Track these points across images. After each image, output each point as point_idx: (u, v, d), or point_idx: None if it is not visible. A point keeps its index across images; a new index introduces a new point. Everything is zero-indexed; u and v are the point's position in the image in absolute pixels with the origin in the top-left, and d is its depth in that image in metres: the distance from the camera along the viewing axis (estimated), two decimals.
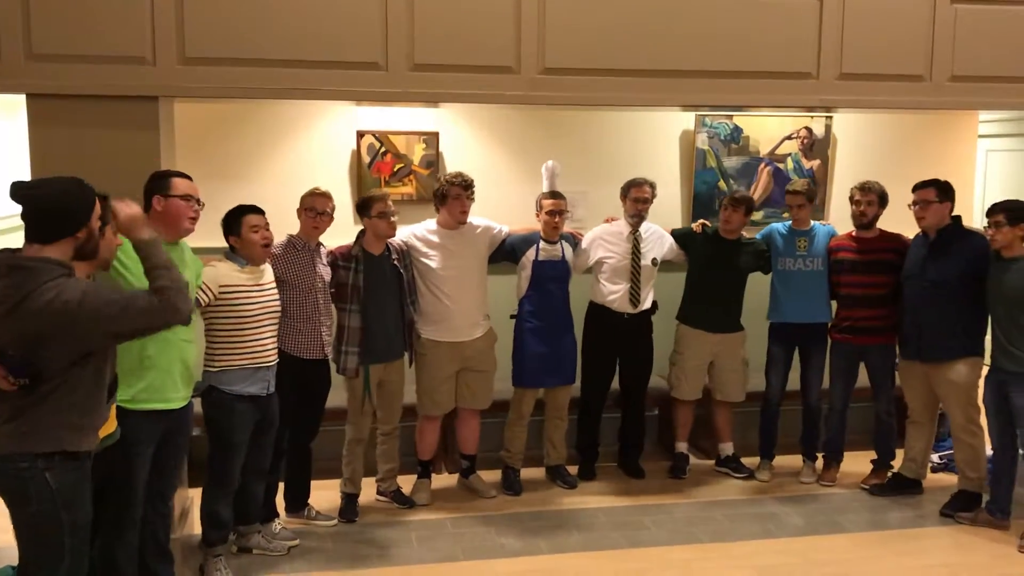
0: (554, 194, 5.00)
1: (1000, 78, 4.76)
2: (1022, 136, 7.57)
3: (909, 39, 4.64)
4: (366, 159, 5.44)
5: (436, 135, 5.49)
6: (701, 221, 5.37)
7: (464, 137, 5.57)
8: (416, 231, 4.82)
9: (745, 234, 5.30)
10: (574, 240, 5.18)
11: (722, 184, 5.90)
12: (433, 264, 4.75)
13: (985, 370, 4.69)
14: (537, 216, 5.02)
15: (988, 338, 4.66)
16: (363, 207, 4.56)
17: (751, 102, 4.75)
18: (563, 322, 5.09)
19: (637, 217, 5.14)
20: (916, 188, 4.78)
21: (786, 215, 5.68)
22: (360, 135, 5.41)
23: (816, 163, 6.02)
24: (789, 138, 5.97)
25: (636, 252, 5.14)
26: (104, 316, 2.61)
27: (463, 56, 4.22)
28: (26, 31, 3.77)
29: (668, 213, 5.39)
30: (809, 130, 5.97)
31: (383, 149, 5.45)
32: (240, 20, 3.97)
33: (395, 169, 5.46)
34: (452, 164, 5.52)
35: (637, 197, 5.12)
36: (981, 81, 4.74)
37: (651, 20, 4.38)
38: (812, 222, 5.27)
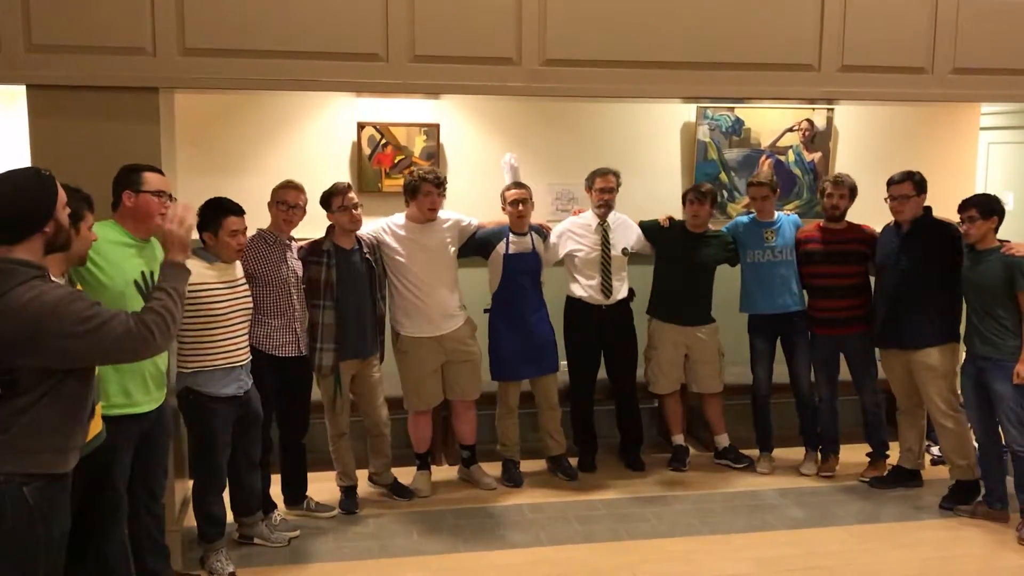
0: (517, 184, 5.00)
1: (1002, 70, 4.74)
2: None
3: (911, 31, 4.62)
4: (367, 151, 5.43)
5: (437, 127, 5.49)
6: (667, 215, 5.37)
7: (465, 129, 5.56)
8: (384, 225, 4.79)
9: (712, 227, 5.30)
10: (544, 233, 5.18)
11: (723, 176, 5.90)
12: (402, 259, 4.72)
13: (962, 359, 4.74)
14: (503, 209, 5.01)
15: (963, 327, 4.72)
16: (324, 202, 4.51)
17: (752, 94, 4.74)
18: (537, 313, 5.09)
19: (605, 207, 5.15)
20: (892, 183, 4.82)
21: (789, 206, 5.70)
22: (361, 127, 5.41)
23: (817, 155, 6.01)
24: (790, 130, 5.97)
25: (605, 243, 5.15)
26: (70, 333, 2.40)
27: (464, 47, 4.20)
28: (26, 22, 3.75)
29: (669, 205, 5.38)
30: (810, 122, 5.97)
31: (384, 141, 5.44)
32: (241, 11, 3.96)
33: (396, 161, 5.46)
34: (453, 156, 5.52)
35: (603, 187, 5.13)
36: (983, 73, 4.73)
37: (652, 11, 4.36)
38: (776, 213, 5.29)
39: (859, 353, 5.15)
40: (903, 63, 4.65)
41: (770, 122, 5.93)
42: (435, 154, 5.48)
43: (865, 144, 6.06)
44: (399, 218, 4.81)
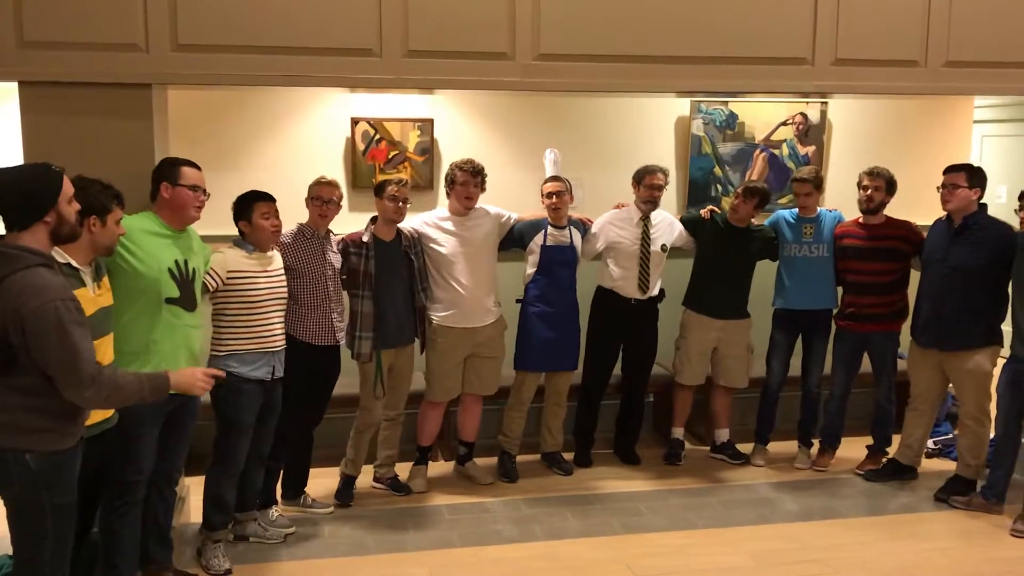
0: (554, 178, 5.03)
1: (995, 63, 4.74)
2: (1017, 121, 7.58)
3: (904, 24, 4.63)
4: (360, 146, 5.42)
5: (431, 122, 5.48)
6: (710, 207, 5.38)
7: (459, 124, 5.55)
8: (427, 218, 4.84)
9: (754, 221, 5.30)
10: (584, 227, 5.18)
11: (717, 170, 5.90)
12: (443, 250, 4.77)
13: (1000, 361, 4.68)
14: (542, 202, 5.04)
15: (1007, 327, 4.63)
16: (378, 188, 4.60)
17: (746, 88, 4.73)
18: (569, 308, 5.10)
19: (651, 203, 5.15)
20: (947, 171, 4.71)
21: (783, 200, 5.70)
22: (355, 122, 5.40)
23: (811, 149, 6.01)
24: (784, 124, 5.97)
25: (646, 238, 5.14)
26: (44, 331, 2.56)
27: (457, 42, 4.20)
28: (18, 18, 3.74)
29: (664, 199, 5.37)
30: (804, 116, 5.97)
31: (377, 136, 5.43)
32: (233, 6, 3.95)
33: (390, 156, 5.45)
34: (447, 151, 5.51)
35: (652, 184, 5.13)
36: (976, 66, 4.73)
37: (646, 6, 4.36)
38: (819, 208, 5.25)
39: (883, 351, 5.12)
40: (896, 56, 4.65)
41: (764, 116, 5.93)
42: (429, 149, 5.48)
43: (859, 137, 6.06)
44: (441, 211, 4.86)
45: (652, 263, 5.15)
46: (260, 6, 3.97)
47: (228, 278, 3.89)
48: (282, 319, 4.11)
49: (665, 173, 5.18)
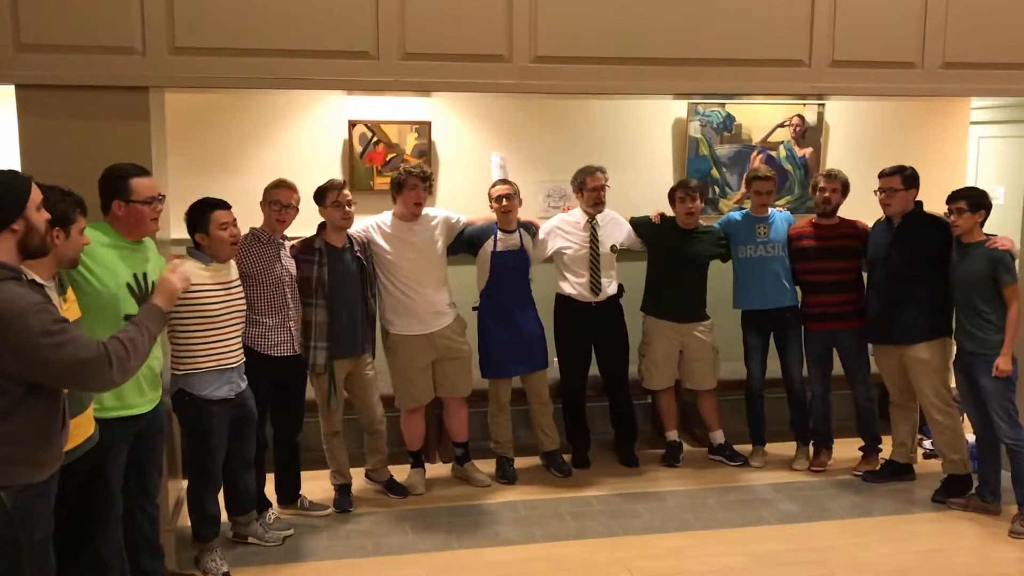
0: (503, 181, 5.00)
1: (992, 65, 4.75)
2: (1014, 123, 7.58)
3: (901, 26, 4.63)
4: (358, 148, 5.43)
5: (428, 124, 5.48)
6: (659, 211, 5.36)
7: (456, 126, 5.56)
8: (372, 223, 4.78)
9: (703, 223, 5.31)
10: (532, 229, 5.17)
11: (715, 172, 5.91)
12: (390, 256, 4.72)
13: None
14: (490, 206, 5.01)
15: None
16: (319, 196, 4.51)
17: (743, 90, 4.74)
18: (525, 309, 5.09)
19: (598, 205, 5.14)
20: (882, 175, 4.83)
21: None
22: (352, 124, 5.40)
23: (808, 150, 6.02)
24: (781, 126, 5.97)
25: (594, 240, 5.15)
26: (33, 343, 2.37)
27: (455, 45, 4.20)
28: (14, 21, 3.74)
29: (661, 202, 5.37)
30: (801, 117, 5.98)
31: (375, 138, 5.43)
32: (230, 10, 3.95)
33: (387, 158, 5.45)
34: (444, 153, 5.51)
35: (594, 186, 5.12)
36: (973, 68, 4.74)
37: (643, 8, 4.36)
38: (769, 208, 5.30)
39: (852, 348, 5.17)
40: (893, 58, 4.66)
41: (761, 118, 5.93)
42: (426, 152, 5.48)
43: (856, 139, 6.07)
44: (387, 216, 4.80)
45: (603, 265, 5.15)
46: (257, 9, 3.98)
47: (183, 292, 3.63)
48: (240, 333, 3.97)
49: (603, 171, 5.16)
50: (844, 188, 5.10)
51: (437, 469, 5.27)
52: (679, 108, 5.83)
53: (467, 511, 4.72)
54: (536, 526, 4.54)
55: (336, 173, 5.32)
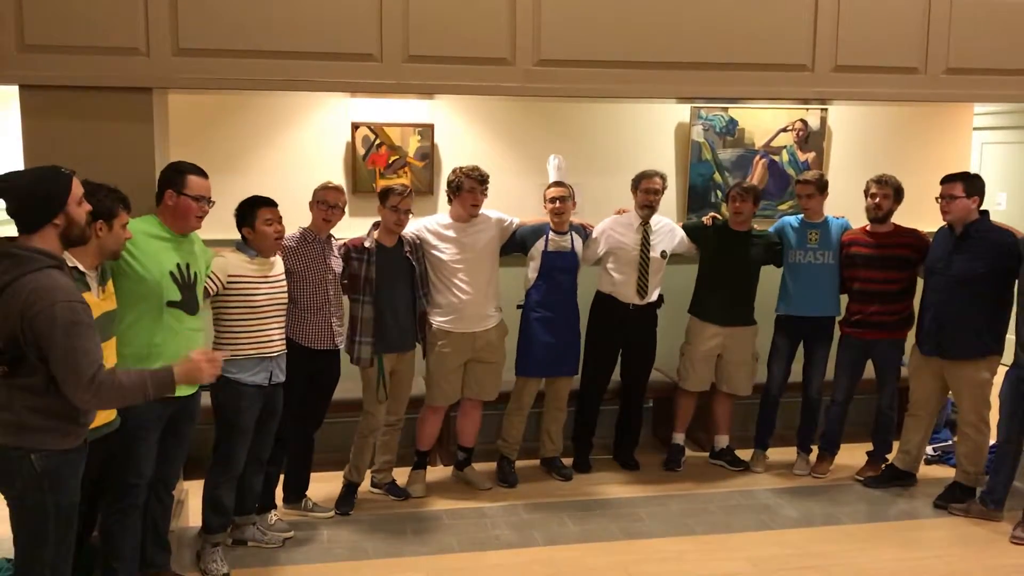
0: (557, 183, 5.03)
1: (995, 71, 4.75)
2: (1017, 128, 7.59)
3: (904, 31, 4.63)
4: (361, 151, 5.43)
5: (431, 127, 5.48)
6: (712, 214, 5.37)
7: (459, 129, 5.56)
8: (428, 224, 4.84)
9: (756, 227, 5.29)
10: (585, 232, 5.18)
11: (717, 176, 5.90)
12: (445, 256, 4.76)
13: (1002, 369, 4.68)
14: (544, 208, 5.05)
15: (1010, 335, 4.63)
16: (382, 196, 4.60)
17: (746, 94, 4.74)
18: (570, 313, 5.11)
19: (648, 209, 5.15)
20: (944, 181, 4.70)
21: (783, 206, 5.71)
22: (355, 127, 5.40)
23: (811, 155, 6.02)
24: (784, 130, 5.97)
25: (646, 243, 5.14)
26: (52, 334, 2.59)
27: (458, 48, 4.20)
28: (19, 22, 3.75)
29: (664, 205, 5.37)
30: (804, 122, 5.97)
31: (378, 141, 5.44)
32: (234, 11, 3.95)
33: (390, 161, 5.45)
34: (447, 156, 5.51)
35: (648, 188, 5.13)
36: (976, 74, 4.74)
37: (646, 12, 4.36)
38: (826, 215, 5.23)
39: (888, 359, 5.11)
40: (896, 63, 4.66)
41: (764, 122, 5.93)
42: (429, 154, 5.48)
43: (859, 144, 6.07)
44: (443, 216, 4.86)
45: (651, 269, 5.15)
46: (261, 10, 3.98)
47: (228, 283, 3.90)
48: (282, 325, 4.12)
49: (663, 178, 5.18)
50: (896, 194, 4.96)
51: (437, 472, 5.27)
52: (682, 112, 5.83)
53: (467, 514, 4.72)
54: (536, 529, 4.54)
55: (339, 175, 5.33)
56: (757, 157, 5.95)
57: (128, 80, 3.86)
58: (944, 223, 4.76)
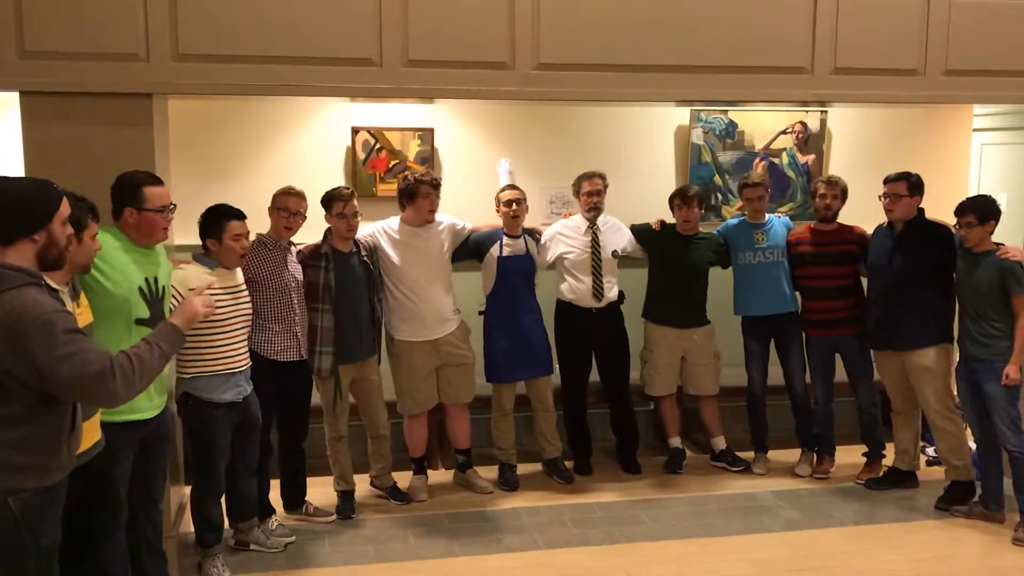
0: (511, 187, 5.02)
1: (994, 72, 4.76)
2: (1016, 130, 7.58)
3: (903, 33, 4.64)
4: (361, 155, 5.43)
5: (431, 131, 5.49)
6: (659, 219, 5.36)
7: (459, 133, 5.57)
8: (380, 228, 4.79)
9: (702, 229, 5.32)
10: (536, 236, 5.18)
11: (717, 179, 5.91)
12: (397, 262, 4.73)
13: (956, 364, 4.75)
14: (497, 211, 5.02)
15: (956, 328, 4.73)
16: (325, 204, 4.51)
17: (746, 97, 4.75)
18: (531, 315, 5.09)
19: (594, 210, 5.16)
20: (888, 181, 4.82)
21: (783, 209, 5.72)
22: (355, 131, 5.41)
23: (811, 157, 6.02)
24: (784, 133, 5.98)
25: (596, 245, 5.15)
26: (48, 352, 2.38)
27: (457, 52, 4.21)
28: (19, 28, 3.75)
29: (663, 209, 5.38)
30: (804, 124, 5.98)
31: (378, 145, 5.44)
32: (233, 16, 3.96)
33: (390, 165, 5.46)
34: (447, 160, 5.52)
35: (590, 190, 5.14)
36: (975, 75, 4.75)
37: (645, 15, 4.37)
38: (767, 215, 5.30)
39: (854, 354, 5.16)
40: (896, 65, 4.67)
41: (763, 124, 5.94)
42: (429, 158, 5.49)
43: (859, 146, 6.07)
44: (394, 221, 4.80)
45: (604, 270, 5.16)
46: (260, 16, 3.99)
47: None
48: (246, 338, 4.00)
49: (603, 177, 5.18)
50: (844, 194, 5.11)
51: (439, 476, 5.27)
52: (682, 115, 5.84)
53: (469, 518, 4.72)
54: (538, 533, 4.54)
55: (339, 180, 5.33)
56: (757, 160, 5.95)
57: (128, 86, 3.86)
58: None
